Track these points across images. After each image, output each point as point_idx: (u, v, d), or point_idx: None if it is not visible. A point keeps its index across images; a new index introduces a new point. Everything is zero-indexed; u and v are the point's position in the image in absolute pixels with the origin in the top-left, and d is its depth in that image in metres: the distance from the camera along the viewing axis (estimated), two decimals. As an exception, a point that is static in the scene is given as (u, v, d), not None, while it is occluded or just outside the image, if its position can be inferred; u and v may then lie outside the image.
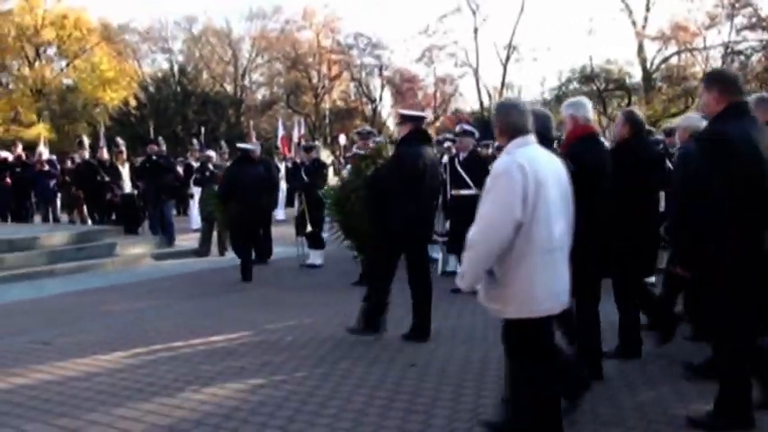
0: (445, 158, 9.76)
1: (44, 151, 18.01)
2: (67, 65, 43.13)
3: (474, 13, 41.08)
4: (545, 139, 4.25)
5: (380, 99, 47.55)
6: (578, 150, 4.89)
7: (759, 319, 4.24)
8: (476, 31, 41.34)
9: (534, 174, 3.56)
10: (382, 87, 47.24)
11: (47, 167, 16.98)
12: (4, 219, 16.32)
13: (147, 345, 6.63)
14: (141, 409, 4.85)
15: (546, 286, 3.65)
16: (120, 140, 17.35)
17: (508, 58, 41.48)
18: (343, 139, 28.93)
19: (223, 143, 19.37)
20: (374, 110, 46.88)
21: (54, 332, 7.19)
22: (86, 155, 16.02)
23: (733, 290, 4.00)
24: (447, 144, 10.69)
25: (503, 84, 42.34)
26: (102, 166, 15.67)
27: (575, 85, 39.26)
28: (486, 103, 42.34)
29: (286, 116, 40.83)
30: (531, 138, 3.78)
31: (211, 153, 13.76)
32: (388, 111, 47.93)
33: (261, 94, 49.81)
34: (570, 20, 65.19)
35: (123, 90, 42.07)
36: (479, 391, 5.06)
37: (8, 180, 16.55)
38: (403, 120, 6.72)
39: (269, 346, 6.48)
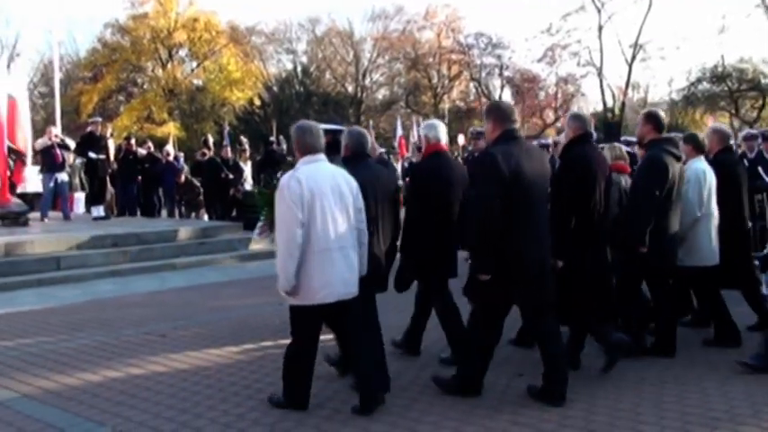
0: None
1: (170, 150, 18.75)
2: (197, 66, 44.90)
3: (599, 10, 39.97)
4: (361, 155, 5.32)
5: (500, 99, 47.03)
6: (425, 165, 5.92)
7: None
8: (600, 29, 40.23)
9: (310, 186, 4.49)
10: (502, 87, 46.75)
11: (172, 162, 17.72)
12: (132, 213, 17.07)
13: (258, 341, 6.74)
14: (245, 406, 4.93)
15: (321, 280, 4.52)
16: (243, 139, 17.90)
17: (634, 57, 40.14)
18: (461, 140, 28.72)
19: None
20: (494, 110, 46.35)
21: (170, 325, 7.44)
22: (208, 153, 16.58)
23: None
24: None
25: (627, 84, 41.04)
26: (225, 164, 16.18)
27: (704, 85, 37.42)
28: (609, 103, 41.10)
29: (405, 116, 41.03)
30: (319, 156, 4.69)
31: None
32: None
33: (381, 94, 50.27)
34: (701, 17, 62.39)
35: (249, 90, 43.36)
36: (590, 406, 4.85)
37: (138, 177, 17.31)
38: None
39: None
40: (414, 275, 5.91)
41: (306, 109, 40.98)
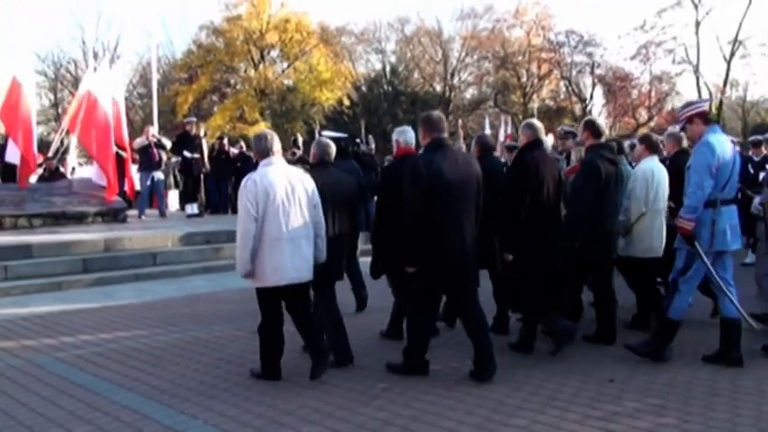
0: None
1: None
2: (288, 66, 45.51)
3: (696, 6, 38.54)
4: (325, 162, 6.21)
5: (591, 98, 46.02)
6: (395, 167, 6.48)
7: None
8: (697, 25, 38.79)
9: (264, 185, 5.28)
10: (593, 86, 45.70)
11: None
12: (225, 211, 17.46)
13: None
14: (333, 405, 4.97)
15: (273, 265, 5.30)
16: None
17: (733, 53, 38.58)
18: (550, 139, 28.28)
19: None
20: (584, 109, 45.49)
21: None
22: (298, 152, 16.80)
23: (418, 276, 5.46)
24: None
25: (725, 82, 39.50)
26: (313, 163, 16.34)
27: (809, 82, 35.70)
28: (706, 102, 39.63)
29: (494, 115, 40.63)
30: (275, 159, 5.49)
31: None
32: (598, 110, 46.37)
33: (469, 93, 49.85)
34: (808, 11, 59.37)
35: (338, 90, 43.64)
36: (684, 414, 4.70)
37: (231, 176, 17.68)
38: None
39: (461, 348, 6.39)
40: (384, 267, 6.56)
41: (394, 109, 41.10)
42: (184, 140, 15.60)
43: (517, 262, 6.11)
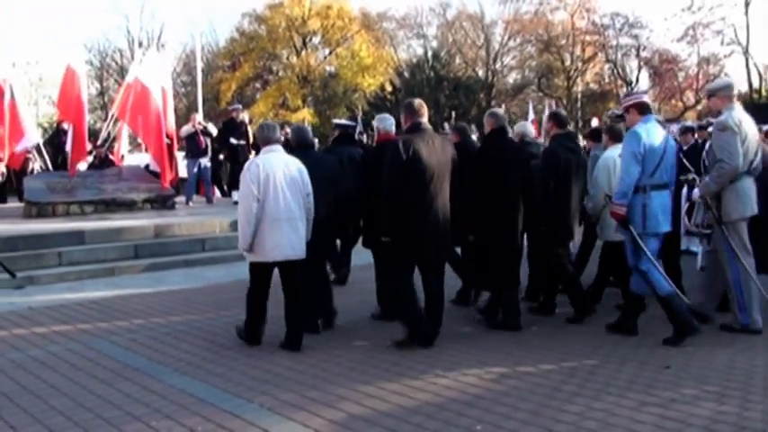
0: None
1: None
2: (330, 53, 45.60)
3: (746, -15, 37.64)
4: (303, 146, 6.86)
5: (637, 81, 45.20)
6: (376, 151, 6.93)
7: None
8: (747, 4, 37.86)
9: (266, 169, 5.82)
10: (639, 69, 44.97)
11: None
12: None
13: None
14: (387, 389, 4.98)
15: (272, 242, 5.84)
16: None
17: (785, 33, 37.58)
18: (595, 123, 27.89)
19: (473, 127, 19.47)
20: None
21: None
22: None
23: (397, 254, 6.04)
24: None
25: (777, 63, 38.51)
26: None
27: None
28: (756, 84, 38.76)
29: (537, 99, 40.23)
30: (275, 146, 6.02)
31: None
32: (645, 93, 45.55)
33: (512, 77, 49.47)
34: None
35: (380, 76, 43.61)
36: (744, 402, 4.61)
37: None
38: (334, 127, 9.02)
39: (514, 335, 6.38)
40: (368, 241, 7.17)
41: (436, 94, 40.86)
42: (231, 127, 15.69)
43: (479, 243, 6.63)
